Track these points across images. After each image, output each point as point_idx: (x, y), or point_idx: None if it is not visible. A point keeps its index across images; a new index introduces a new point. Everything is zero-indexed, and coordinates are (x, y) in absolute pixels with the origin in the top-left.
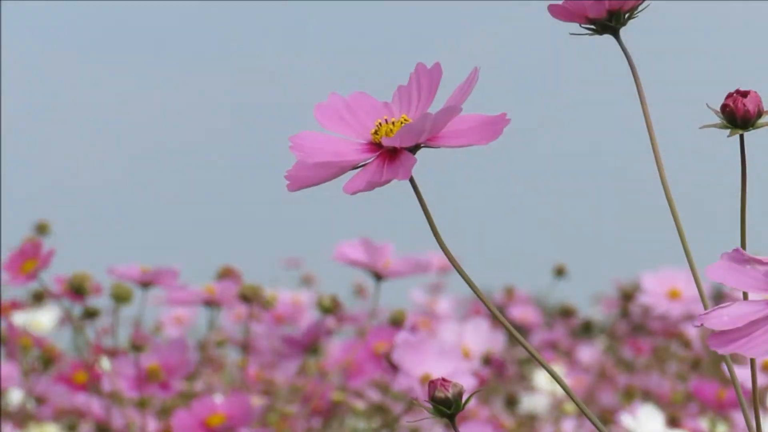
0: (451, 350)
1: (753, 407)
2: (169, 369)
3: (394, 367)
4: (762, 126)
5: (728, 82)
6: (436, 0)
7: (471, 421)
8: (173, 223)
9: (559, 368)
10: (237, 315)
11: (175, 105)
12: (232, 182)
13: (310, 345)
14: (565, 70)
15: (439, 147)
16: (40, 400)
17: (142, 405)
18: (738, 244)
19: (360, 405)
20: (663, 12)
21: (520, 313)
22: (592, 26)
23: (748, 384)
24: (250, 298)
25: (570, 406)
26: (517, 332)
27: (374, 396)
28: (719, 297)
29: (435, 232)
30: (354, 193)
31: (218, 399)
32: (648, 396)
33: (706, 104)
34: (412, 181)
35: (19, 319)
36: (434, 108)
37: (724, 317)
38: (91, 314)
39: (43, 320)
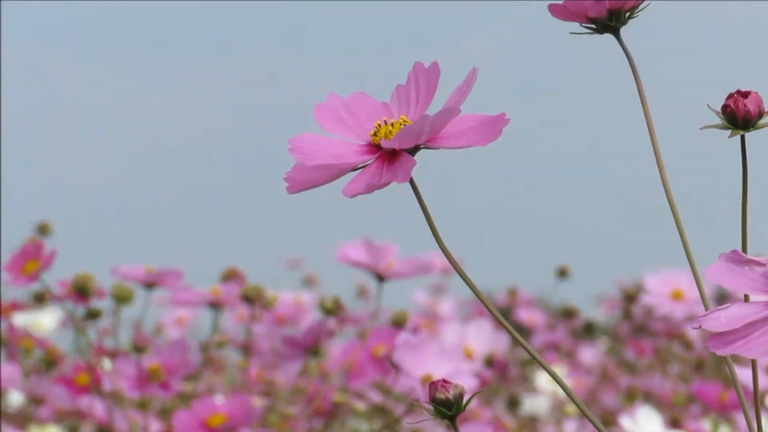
0: (452, 351)
1: (754, 408)
2: (170, 369)
3: (395, 368)
4: (763, 127)
5: (729, 82)
6: (436, 0)
7: (472, 422)
8: (173, 224)
9: (560, 369)
10: (238, 316)
11: (175, 105)
12: (232, 182)
13: (311, 346)
14: (564, 70)
15: (438, 148)
16: (40, 402)
17: (143, 406)
18: (739, 245)
19: (361, 406)
20: (664, 11)
21: (527, 315)
22: (593, 25)
23: (750, 385)
24: (252, 299)
25: (571, 408)
26: (518, 334)
27: (375, 397)
28: (722, 298)
29: (435, 233)
30: (353, 196)
31: (219, 400)
32: (650, 397)
33: (707, 105)
34: (412, 183)
35: (20, 320)
36: (433, 108)
37: (722, 319)
38: (92, 315)
39: (44, 321)
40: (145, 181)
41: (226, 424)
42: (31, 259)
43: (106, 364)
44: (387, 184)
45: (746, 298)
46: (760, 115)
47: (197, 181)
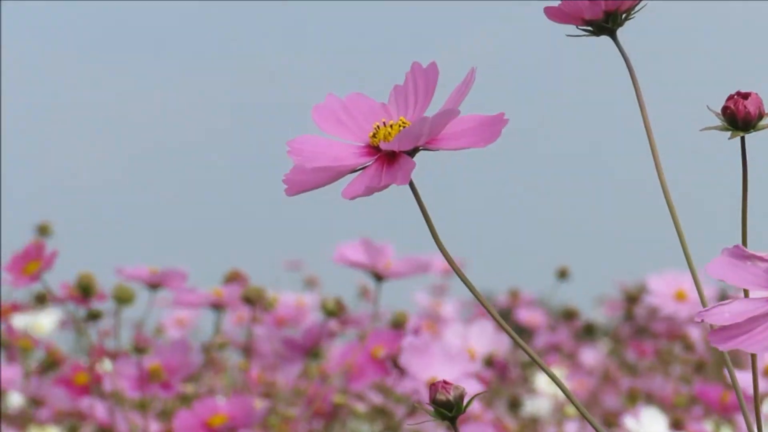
0: (457, 353)
1: (755, 411)
2: (171, 370)
3: (398, 370)
4: (763, 128)
5: (727, 83)
6: (436, 0)
7: (473, 422)
8: (173, 224)
9: (562, 371)
10: (239, 317)
11: (175, 105)
12: (232, 182)
13: (311, 348)
14: (564, 70)
15: (437, 150)
16: (40, 403)
17: (143, 407)
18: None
19: (362, 408)
20: (660, 12)
21: (528, 316)
22: (589, 28)
23: (750, 389)
24: (253, 300)
25: (572, 409)
26: (519, 335)
27: (376, 399)
28: (723, 299)
29: (435, 235)
30: (353, 198)
31: (220, 401)
32: (651, 399)
33: (707, 106)
34: (411, 185)
35: (20, 321)
36: (432, 108)
37: (725, 313)
38: (93, 316)
39: (43, 323)
40: (146, 181)
41: (227, 425)
42: (32, 259)
43: (107, 364)
44: (386, 186)
45: (746, 295)
46: (761, 116)
47: (197, 181)
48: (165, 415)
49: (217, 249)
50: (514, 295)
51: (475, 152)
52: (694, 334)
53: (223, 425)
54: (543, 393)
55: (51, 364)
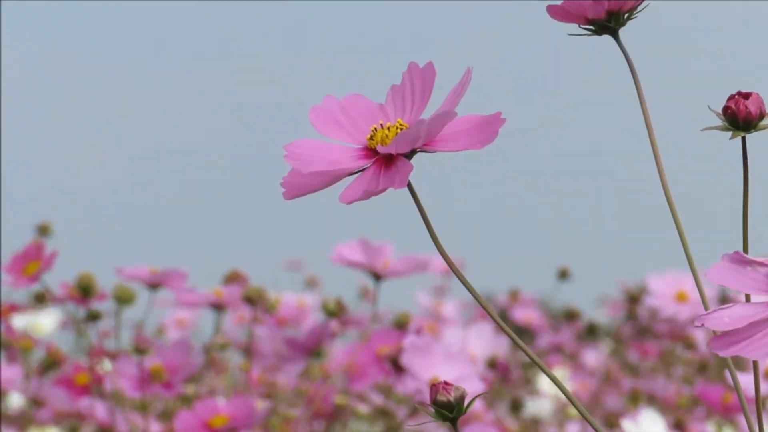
0: (459, 354)
1: (756, 413)
2: (172, 370)
3: (399, 370)
4: (764, 128)
5: (728, 83)
6: (436, 0)
7: (475, 423)
8: (173, 224)
9: (564, 372)
10: (240, 318)
11: (175, 105)
12: (231, 182)
13: (313, 348)
14: (564, 70)
15: (435, 151)
16: (40, 403)
17: (144, 407)
18: (740, 246)
19: (363, 408)
20: (662, 12)
21: (523, 315)
22: (591, 27)
23: (752, 391)
24: (254, 300)
25: (574, 410)
26: (519, 336)
27: (377, 399)
28: (724, 300)
29: (434, 237)
30: (350, 202)
31: (221, 401)
32: (653, 400)
33: (708, 106)
34: (410, 187)
35: (20, 321)
36: (430, 108)
37: (725, 318)
38: (93, 316)
39: (43, 323)
40: (146, 182)
41: (228, 426)
42: (32, 260)
43: (107, 365)
44: (384, 190)
45: (747, 299)
46: (762, 116)
47: (197, 182)
48: (166, 416)
49: (217, 249)
50: (514, 295)
51: (473, 152)
52: (696, 334)
53: (223, 426)
54: (545, 394)
55: (51, 364)
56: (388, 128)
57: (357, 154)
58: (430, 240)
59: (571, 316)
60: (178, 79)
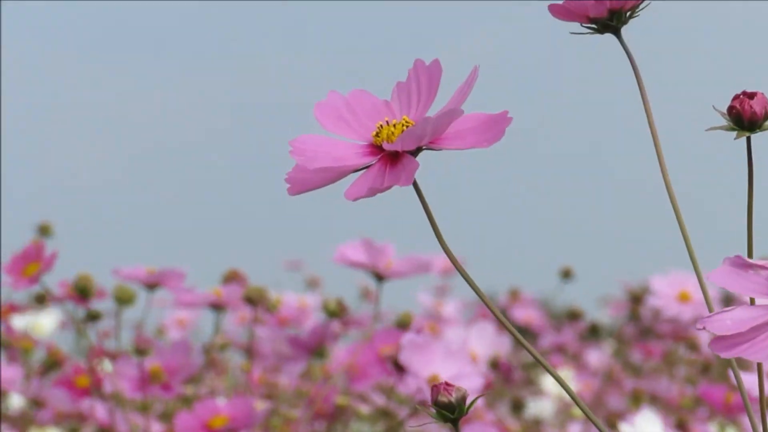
0: (458, 352)
1: (760, 413)
2: (172, 371)
3: (399, 370)
4: None
5: (733, 82)
6: (436, 0)
7: (476, 422)
8: (173, 224)
9: (566, 372)
10: (241, 318)
11: (175, 105)
12: (232, 182)
13: (315, 347)
14: (565, 70)
15: (441, 149)
16: (41, 404)
17: (144, 408)
18: (744, 247)
19: (364, 409)
20: (665, 11)
21: (524, 315)
22: (593, 25)
23: (755, 390)
24: (255, 300)
25: (577, 411)
26: (522, 336)
27: (379, 400)
28: (728, 300)
29: (438, 235)
30: (355, 199)
31: (221, 402)
32: (656, 400)
33: (713, 106)
34: (415, 184)
35: (20, 322)
36: (435, 107)
37: (727, 321)
38: (93, 317)
39: (43, 323)
40: (146, 182)
41: (228, 427)
42: (32, 261)
43: (107, 365)
44: (389, 187)
45: (752, 302)
46: (767, 116)
47: (198, 181)
48: (166, 417)
49: (217, 249)
50: (514, 295)
51: (477, 151)
52: (699, 335)
53: (223, 427)
54: (548, 394)
55: (52, 365)
56: (394, 125)
57: (362, 150)
58: (432, 239)
59: (573, 316)
60: (177, 79)
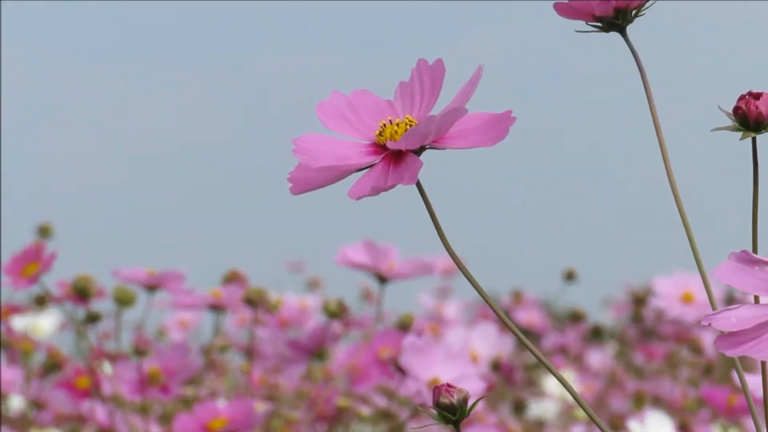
0: (459, 354)
1: (764, 414)
2: (171, 373)
3: (401, 372)
4: None
5: (738, 82)
6: (436, 0)
7: (476, 425)
8: (174, 225)
9: (569, 373)
10: (241, 319)
11: (176, 106)
12: (233, 183)
13: (315, 349)
14: (565, 69)
15: (444, 148)
16: (41, 406)
17: (144, 410)
18: (750, 247)
19: (366, 411)
20: (671, 10)
21: (526, 317)
22: (599, 24)
23: (759, 391)
24: (255, 302)
25: (580, 412)
26: (525, 337)
27: (380, 401)
28: (731, 301)
29: (441, 235)
30: (359, 198)
31: (221, 404)
32: (659, 402)
33: (718, 107)
34: (418, 184)
35: (20, 323)
36: (438, 107)
37: (732, 319)
38: (93, 318)
39: (43, 324)
40: (146, 182)
41: (228, 428)
42: (32, 261)
43: (107, 367)
44: (393, 186)
45: (755, 299)
46: None
47: (198, 182)
48: (165, 419)
49: (218, 250)
50: (517, 296)
51: (480, 151)
52: (702, 336)
53: (223, 428)
54: (551, 395)
55: (52, 366)
56: (397, 124)
57: (365, 149)
58: (434, 239)
59: (576, 317)
60: (178, 79)
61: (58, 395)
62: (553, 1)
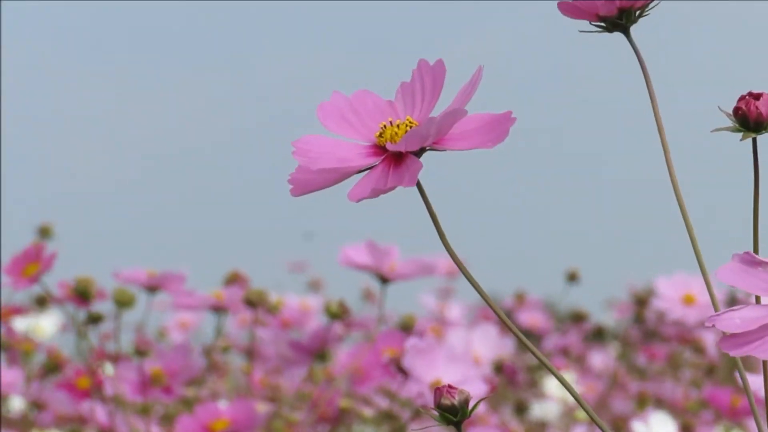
0: (461, 356)
1: (766, 415)
2: (173, 373)
3: (403, 373)
4: None
5: (739, 83)
6: (436, 0)
7: (478, 426)
8: (176, 226)
9: (570, 375)
10: (242, 320)
11: (177, 107)
12: (235, 184)
13: (317, 350)
14: (565, 69)
15: (444, 150)
16: (41, 407)
17: (145, 411)
18: (751, 248)
19: (367, 412)
20: (672, 9)
21: (529, 318)
22: (602, 24)
23: (762, 392)
24: (255, 303)
25: (582, 414)
26: (526, 338)
27: (382, 403)
28: (733, 302)
29: (442, 236)
30: (359, 200)
31: (223, 405)
32: (661, 403)
33: (719, 107)
34: (419, 185)
35: (21, 324)
36: (438, 107)
37: (735, 320)
38: (94, 319)
39: (44, 325)
40: (147, 183)
41: (230, 430)
42: (32, 261)
43: (108, 368)
44: (393, 188)
45: (758, 301)
46: None
47: (200, 183)
48: (167, 420)
49: (220, 251)
50: (520, 298)
51: (481, 152)
52: (705, 337)
53: (225, 430)
54: (551, 397)
55: (52, 367)
56: (398, 126)
57: (366, 151)
58: (436, 240)
59: (578, 318)
60: (179, 81)
61: (59, 396)
62: (556, 1)
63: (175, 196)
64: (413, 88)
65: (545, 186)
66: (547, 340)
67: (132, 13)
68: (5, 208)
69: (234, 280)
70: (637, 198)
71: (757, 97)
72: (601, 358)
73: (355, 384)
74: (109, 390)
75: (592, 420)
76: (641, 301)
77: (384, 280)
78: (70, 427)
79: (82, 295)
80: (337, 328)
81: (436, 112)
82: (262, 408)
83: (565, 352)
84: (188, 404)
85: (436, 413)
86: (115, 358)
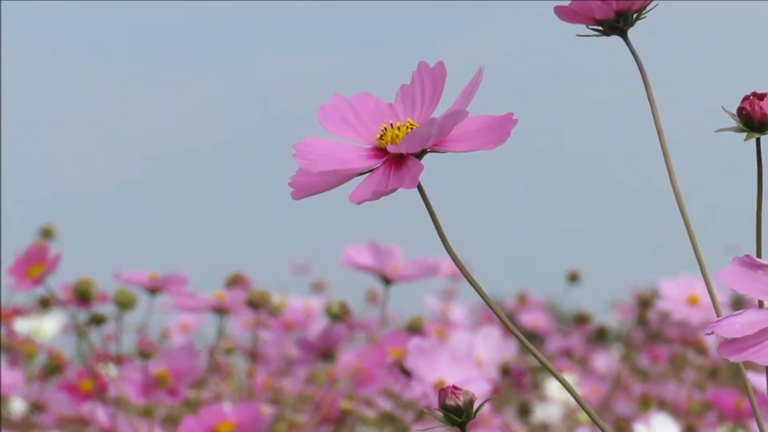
0: (464, 357)
1: None
2: (178, 375)
3: (406, 374)
4: None
5: (742, 84)
6: (436, 0)
7: (483, 428)
8: (178, 227)
9: (573, 376)
10: (245, 322)
11: (179, 108)
12: (237, 185)
13: (324, 351)
14: (565, 69)
15: (446, 152)
16: (42, 408)
17: (148, 413)
18: (753, 250)
19: (370, 413)
20: (671, 11)
21: (531, 319)
22: (599, 27)
23: (765, 392)
24: (258, 304)
25: (584, 416)
26: (528, 340)
27: (385, 404)
28: (738, 304)
29: (443, 238)
30: (360, 202)
31: (227, 407)
32: (664, 405)
33: (722, 107)
34: (420, 188)
35: (23, 325)
36: (439, 109)
37: (735, 325)
38: (96, 321)
39: (46, 327)
40: (148, 184)
41: None
42: (36, 262)
43: (112, 370)
44: (394, 190)
45: (761, 304)
46: None
47: (202, 185)
48: (170, 422)
49: (222, 252)
50: (522, 299)
51: (482, 153)
52: (708, 339)
53: None
54: (554, 399)
55: (53, 369)
56: (399, 128)
57: (366, 153)
58: (438, 242)
59: (581, 319)
60: (180, 81)
61: (60, 398)
62: (554, 3)
63: (175, 196)
64: (413, 91)
65: (546, 187)
66: (549, 342)
67: (132, 13)
68: (5, 208)
69: (236, 281)
70: (639, 198)
71: (761, 97)
72: (604, 360)
73: (358, 385)
74: (113, 392)
75: (594, 422)
76: (644, 302)
77: (387, 281)
78: (70, 429)
79: (82, 296)
80: (341, 329)
81: (437, 114)
82: (265, 410)
83: (567, 353)
84: (191, 406)
85: (440, 414)
86: (118, 360)
